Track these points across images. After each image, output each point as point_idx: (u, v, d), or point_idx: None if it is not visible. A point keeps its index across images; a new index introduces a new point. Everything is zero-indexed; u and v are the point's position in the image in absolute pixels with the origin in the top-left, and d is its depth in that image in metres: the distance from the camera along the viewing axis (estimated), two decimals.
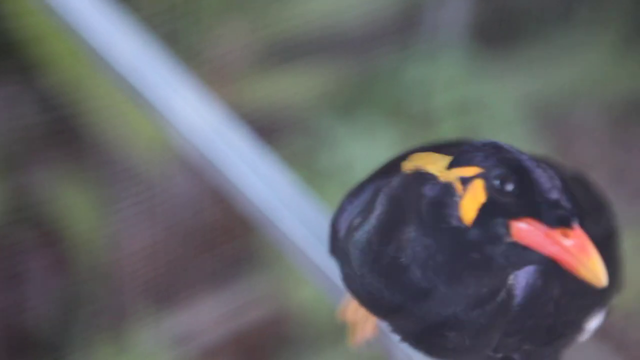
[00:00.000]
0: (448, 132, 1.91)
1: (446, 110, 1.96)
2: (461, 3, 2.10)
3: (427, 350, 0.90)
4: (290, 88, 1.93)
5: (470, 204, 0.79)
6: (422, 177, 0.83)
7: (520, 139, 1.93)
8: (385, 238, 0.85)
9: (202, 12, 1.89)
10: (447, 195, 0.80)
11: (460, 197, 0.80)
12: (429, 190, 0.82)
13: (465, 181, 0.80)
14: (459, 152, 0.82)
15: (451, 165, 0.82)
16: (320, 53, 1.96)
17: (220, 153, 1.20)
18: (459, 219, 0.79)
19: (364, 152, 1.88)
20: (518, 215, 0.78)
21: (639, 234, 1.93)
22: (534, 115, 2.06)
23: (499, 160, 0.79)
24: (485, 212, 0.79)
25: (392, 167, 0.94)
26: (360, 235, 0.88)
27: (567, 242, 0.77)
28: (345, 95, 1.97)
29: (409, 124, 1.93)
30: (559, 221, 0.77)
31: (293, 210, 1.14)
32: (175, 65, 1.28)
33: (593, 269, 0.76)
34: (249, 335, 1.93)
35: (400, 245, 0.83)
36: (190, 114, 1.23)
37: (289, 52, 1.95)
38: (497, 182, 0.79)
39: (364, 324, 1.04)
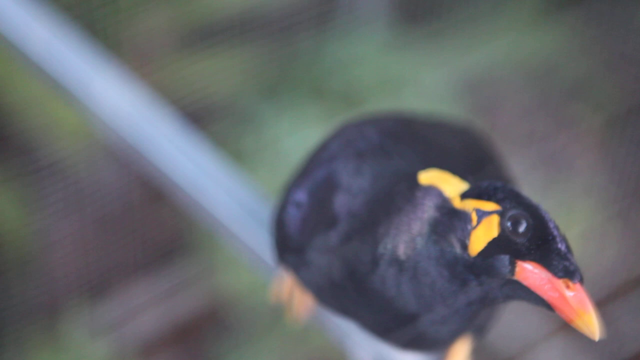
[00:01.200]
0: (372, 107, 1.92)
1: (369, 85, 1.97)
2: None
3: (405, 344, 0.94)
4: (214, 71, 1.93)
5: (482, 236, 0.84)
6: (438, 196, 0.87)
7: (442, 110, 1.96)
8: (380, 248, 0.88)
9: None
10: (461, 221, 0.85)
11: (474, 227, 0.85)
12: (444, 212, 0.86)
13: (481, 214, 0.85)
14: (478, 186, 0.87)
15: (467, 196, 0.86)
16: (242, 35, 1.96)
17: (147, 138, 1.19)
18: (465, 247, 0.84)
19: (289, 130, 1.89)
20: (526, 257, 0.83)
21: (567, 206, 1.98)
22: (457, 87, 2.09)
23: (518, 203, 0.84)
24: (495, 246, 0.84)
25: (325, 154, 0.95)
26: (343, 243, 0.90)
27: (568, 293, 0.82)
28: (268, 76, 1.97)
29: (333, 101, 1.94)
30: (565, 272, 0.82)
31: (223, 190, 1.15)
32: (98, 54, 1.27)
33: (589, 324, 0.82)
34: (184, 319, 1.93)
35: (404, 255, 0.87)
36: (116, 101, 1.22)
37: (211, 36, 1.94)
38: (512, 222, 0.84)
39: (300, 302, 1.05)
